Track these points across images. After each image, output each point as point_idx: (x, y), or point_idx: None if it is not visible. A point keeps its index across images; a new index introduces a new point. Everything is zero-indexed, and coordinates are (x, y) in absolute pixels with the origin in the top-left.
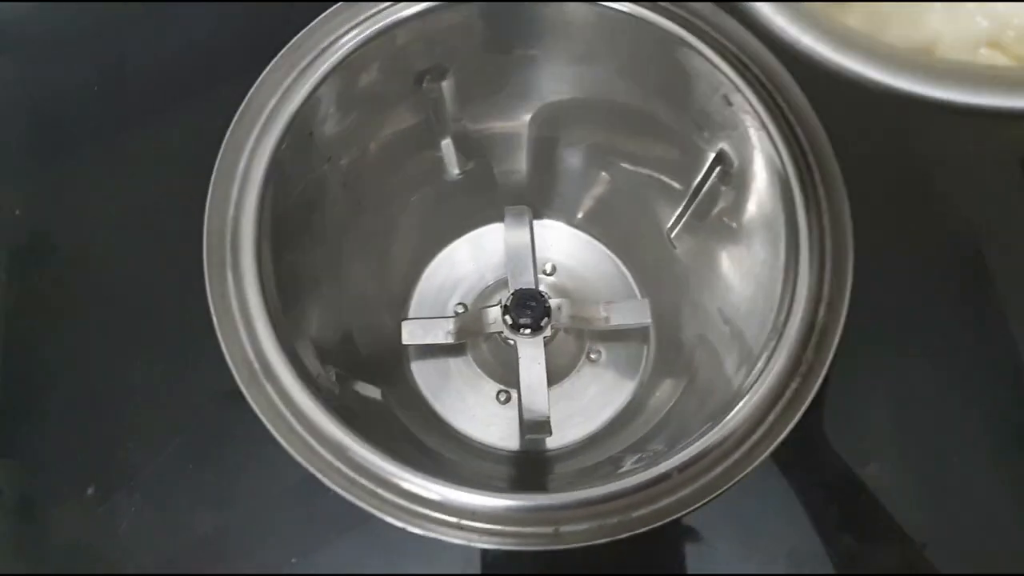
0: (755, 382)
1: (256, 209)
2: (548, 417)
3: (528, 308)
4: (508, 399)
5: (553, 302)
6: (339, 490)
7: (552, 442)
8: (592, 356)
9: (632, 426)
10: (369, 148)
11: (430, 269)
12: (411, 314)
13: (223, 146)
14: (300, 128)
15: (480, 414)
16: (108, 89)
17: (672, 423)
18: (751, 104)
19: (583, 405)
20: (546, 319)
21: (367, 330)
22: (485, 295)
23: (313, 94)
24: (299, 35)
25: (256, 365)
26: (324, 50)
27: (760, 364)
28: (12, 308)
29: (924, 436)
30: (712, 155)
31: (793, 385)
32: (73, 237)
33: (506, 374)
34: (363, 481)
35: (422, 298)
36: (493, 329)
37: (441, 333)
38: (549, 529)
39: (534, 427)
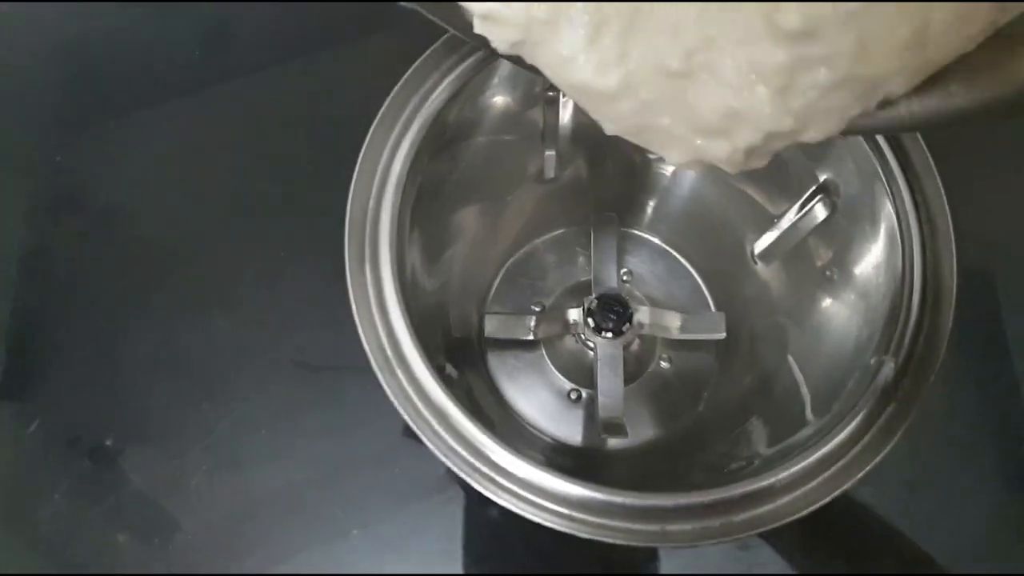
0: (853, 405)
1: (393, 204)
2: (623, 419)
3: (612, 312)
4: (579, 398)
5: (634, 308)
6: (472, 483)
7: (614, 442)
8: (663, 363)
9: (698, 436)
10: (483, 147)
11: (511, 264)
12: (489, 305)
13: (366, 143)
14: (438, 128)
15: (551, 409)
16: (204, 49)
17: (745, 439)
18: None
19: (649, 410)
20: (627, 324)
21: (454, 317)
22: (562, 296)
23: (455, 95)
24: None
25: (389, 351)
26: (466, 55)
27: (853, 387)
28: (57, 254)
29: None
30: (816, 183)
31: (889, 410)
32: (126, 192)
33: (579, 373)
34: (479, 465)
35: (502, 291)
36: (574, 330)
37: (523, 329)
38: (656, 527)
39: (610, 428)
